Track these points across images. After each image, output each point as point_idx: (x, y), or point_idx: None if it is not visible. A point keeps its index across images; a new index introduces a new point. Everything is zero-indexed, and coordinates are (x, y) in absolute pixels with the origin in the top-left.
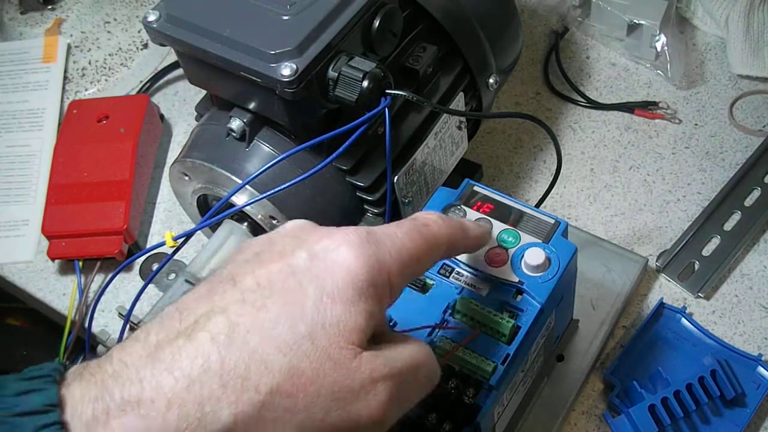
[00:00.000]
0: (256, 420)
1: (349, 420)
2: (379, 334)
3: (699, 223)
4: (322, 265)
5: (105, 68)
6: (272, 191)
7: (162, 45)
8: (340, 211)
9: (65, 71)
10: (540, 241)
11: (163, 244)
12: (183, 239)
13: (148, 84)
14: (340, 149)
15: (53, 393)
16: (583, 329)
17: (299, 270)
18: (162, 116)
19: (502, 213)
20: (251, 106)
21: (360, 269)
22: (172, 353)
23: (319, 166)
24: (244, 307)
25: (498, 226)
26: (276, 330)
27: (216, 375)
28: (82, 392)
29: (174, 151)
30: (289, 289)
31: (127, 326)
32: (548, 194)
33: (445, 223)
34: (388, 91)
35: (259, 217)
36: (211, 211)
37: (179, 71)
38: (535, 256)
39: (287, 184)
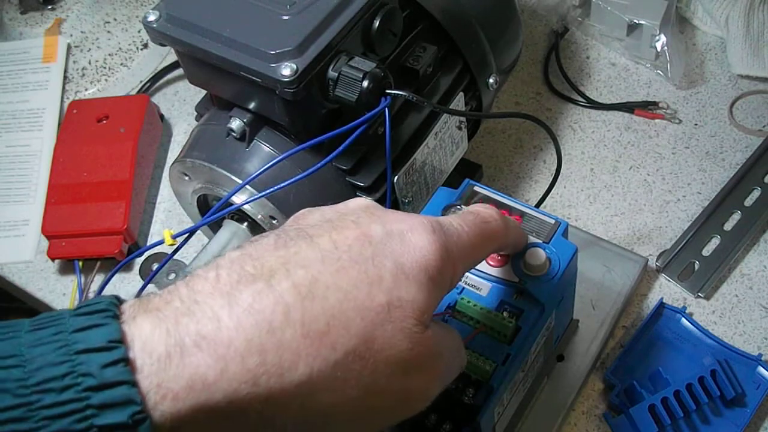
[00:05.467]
0: (328, 377)
1: (406, 390)
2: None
3: (699, 223)
4: (399, 244)
5: (105, 68)
6: (272, 189)
7: (162, 45)
8: None
9: (65, 71)
10: (540, 241)
11: (162, 242)
12: (182, 237)
13: (148, 84)
14: (340, 148)
15: (115, 328)
16: (583, 329)
17: (376, 242)
18: (162, 116)
19: None
20: (251, 106)
21: (433, 256)
22: (252, 296)
23: (319, 165)
24: (324, 265)
25: None
26: (355, 293)
27: (298, 324)
28: (153, 327)
29: (174, 151)
30: (366, 257)
31: None
32: (548, 194)
33: (502, 222)
34: (388, 91)
35: (259, 217)
36: (212, 210)
37: (179, 71)
38: (535, 256)
39: (286, 183)
